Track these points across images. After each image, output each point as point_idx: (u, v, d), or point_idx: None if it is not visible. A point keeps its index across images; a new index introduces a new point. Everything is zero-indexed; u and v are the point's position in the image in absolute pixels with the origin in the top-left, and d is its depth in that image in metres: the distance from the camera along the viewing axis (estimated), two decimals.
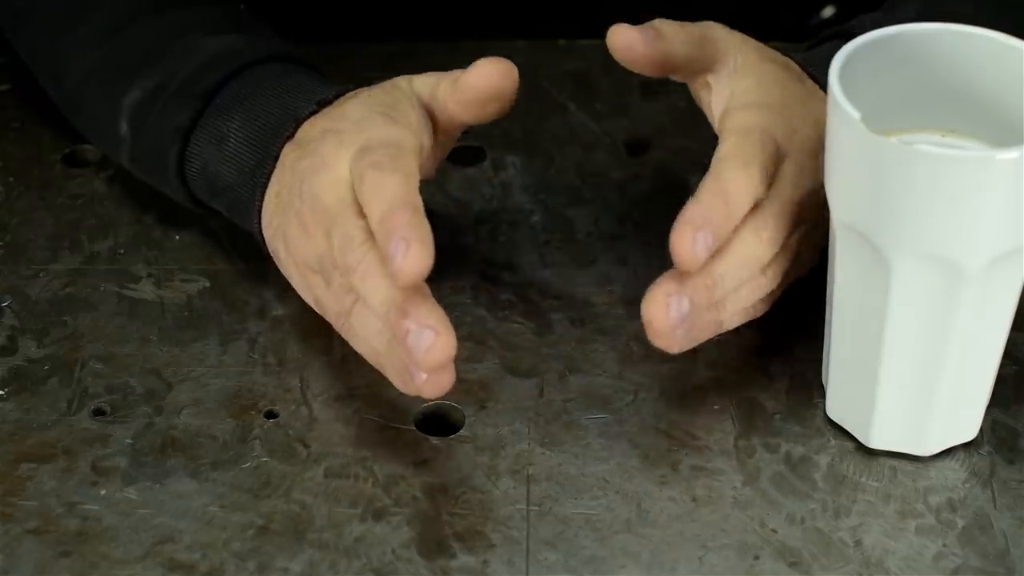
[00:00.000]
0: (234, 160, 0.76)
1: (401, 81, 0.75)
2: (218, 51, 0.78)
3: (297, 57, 0.79)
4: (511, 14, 0.94)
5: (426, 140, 0.73)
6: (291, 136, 0.74)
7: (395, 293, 0.67)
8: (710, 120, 0.76)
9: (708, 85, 0.75)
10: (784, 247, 0.72)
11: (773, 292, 0.73)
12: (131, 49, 0.80)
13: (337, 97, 0.75)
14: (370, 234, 0.69)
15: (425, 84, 0.74)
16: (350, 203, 0.70)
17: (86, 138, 0.85)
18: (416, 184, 0.69)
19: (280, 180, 0.74)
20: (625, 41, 0.72)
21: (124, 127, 0.79)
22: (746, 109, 0.73)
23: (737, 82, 0.74)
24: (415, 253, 0.65)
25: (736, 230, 0.70)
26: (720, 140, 0.72)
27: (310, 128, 0.74)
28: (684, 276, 0.69)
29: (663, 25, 0.74)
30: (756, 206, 0.70)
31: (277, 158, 0.74)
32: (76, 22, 0.82)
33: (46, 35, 0.84)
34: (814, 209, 0.73)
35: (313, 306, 0.74)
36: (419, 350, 0.66)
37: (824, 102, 0.67)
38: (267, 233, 0.75)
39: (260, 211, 0.75)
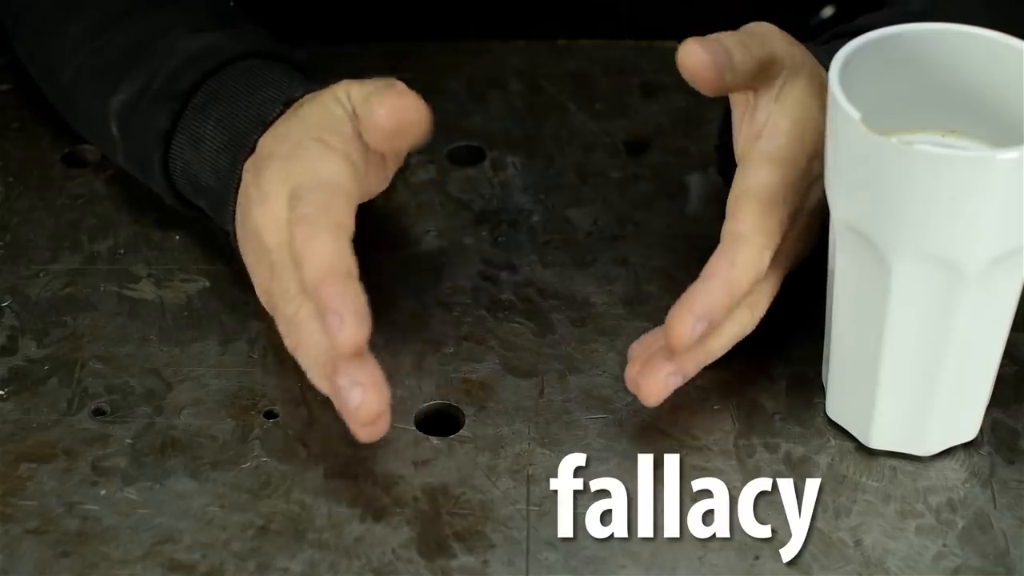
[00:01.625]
0: (210, 163, 0.76)
1: (340, 92, 0.73)
2: (197, 50, 0.78)
3: (279, 53, 0.79)
4: (511, 14, 0.94)
5: (362, 162, 0.72)
6: (253, 148, 0.74)
7: (328, 345, 0.68)
8: (734, 128, 0.74)
9: (747, 100, 0.73)
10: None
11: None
12: (117, 48, 0.80)
13: (304, 96, 0.75)
14: (304, 286, 0.68)
15: (358, 99, 0.73)
16: (288, 250, 0.70)
17: (84, 137, 0.85)
18: (348, 237, 0.68)
19: (238, 201, 0.74)
20: (696, 65, 0.70)
21: (114, 129, 0.79)
22: (771, 164, 0.71)
23: (774, 118, 0.72)
24: (350, 326, 0.65)
25: None
26: (739, 192, 0.71)
27: (262, 144, 0.74)
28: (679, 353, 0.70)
29: (734, 49, 0.71)
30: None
31: (242, 169, 0.74)
32: (68, 20, 0.82)
33: (40, 34, 0.84)
34: (802, 258, 0.74)
35: None
36: (351, 405, 0.66)
37: None
38: (239, 246, 0.75)
39: (234, 218, 0.75)
